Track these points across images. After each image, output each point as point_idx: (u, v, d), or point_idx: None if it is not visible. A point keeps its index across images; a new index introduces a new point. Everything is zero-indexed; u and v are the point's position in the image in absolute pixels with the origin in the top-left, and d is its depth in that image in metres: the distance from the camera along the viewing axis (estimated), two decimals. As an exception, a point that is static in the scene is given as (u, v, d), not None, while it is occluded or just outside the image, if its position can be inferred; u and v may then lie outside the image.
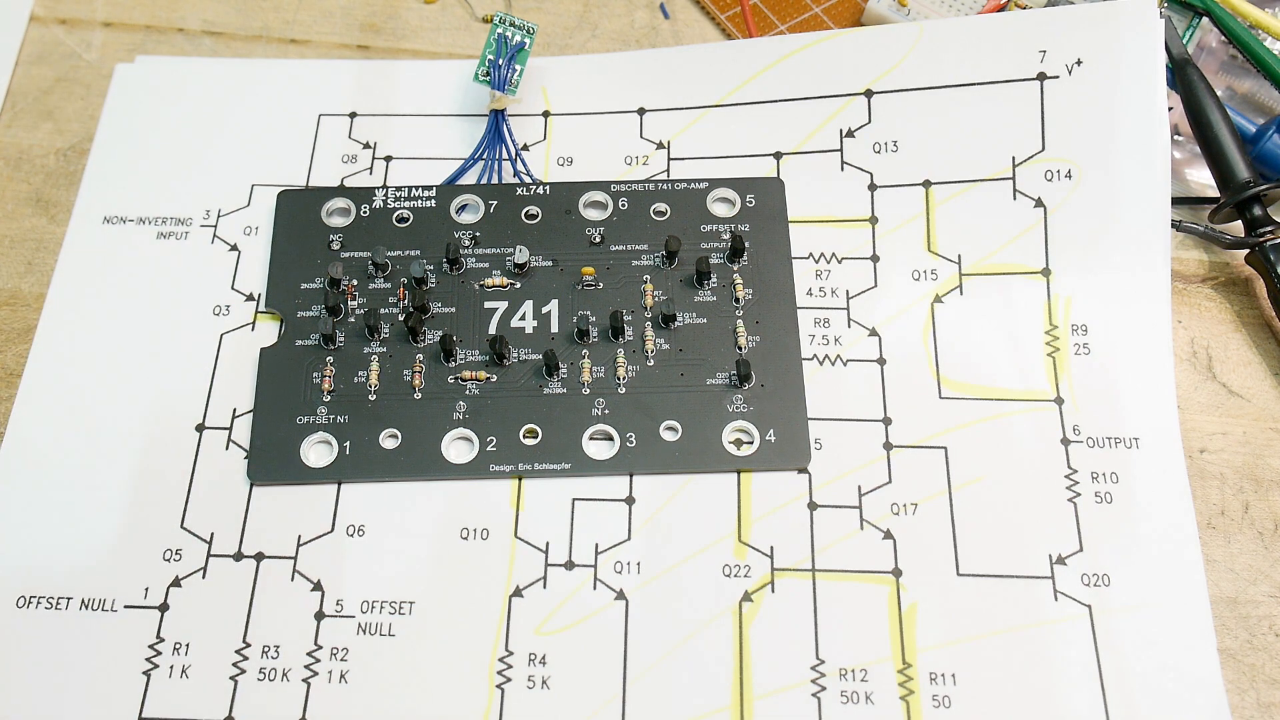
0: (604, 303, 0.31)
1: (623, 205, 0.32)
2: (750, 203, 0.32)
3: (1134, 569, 0.27)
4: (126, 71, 0.36)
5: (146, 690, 0.26)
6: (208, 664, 0.27)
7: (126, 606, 0.27)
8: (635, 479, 0.29)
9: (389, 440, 0.29)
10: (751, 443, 0.29)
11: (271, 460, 0.29)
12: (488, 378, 0.30)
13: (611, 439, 0.29)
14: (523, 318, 0.31)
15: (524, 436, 0.29)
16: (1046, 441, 0.29)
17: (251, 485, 0.29)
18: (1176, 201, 0.33)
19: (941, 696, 0.26)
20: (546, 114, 0.34)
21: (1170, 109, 0.32)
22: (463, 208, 0.32)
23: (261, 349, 0.30)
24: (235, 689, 0.26)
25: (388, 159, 0.34)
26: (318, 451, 0.29)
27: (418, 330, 0.30)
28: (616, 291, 0.31)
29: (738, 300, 0.31)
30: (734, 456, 0.29)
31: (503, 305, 0.31)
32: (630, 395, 0.29)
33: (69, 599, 0.28)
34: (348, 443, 0.29)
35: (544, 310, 0.31)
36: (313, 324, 0.31)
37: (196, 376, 0.30)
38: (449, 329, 0.30)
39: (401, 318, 0.31)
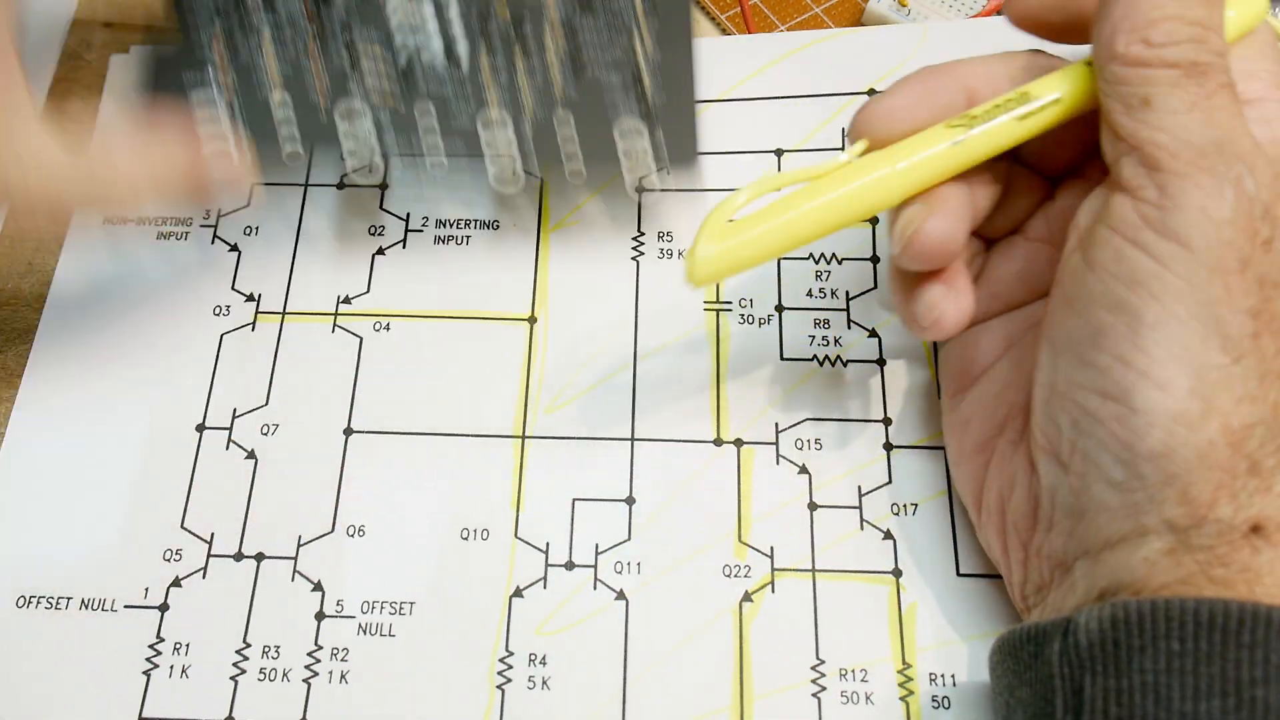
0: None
1: None
2: None
3: (1134, 569, 0.27)
4: (122, 63, 0.36)
5: (146, 690, 0.27)
6: (208, 664, 0.27)
7: (126, 606, 0.27)
8: (635, 479, 0.29)
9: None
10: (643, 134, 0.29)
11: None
12: (393, 94, 0.29)
13: (505, 124, 0.29)
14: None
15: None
16: (1047, 441, 0.29)
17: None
18: (1177, 201, 0.33)
19: (941, 697, 0.26)
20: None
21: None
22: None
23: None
24: (235, 689, 0.26)
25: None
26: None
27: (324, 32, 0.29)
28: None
29: (635, 8, 0.30)
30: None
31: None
32: (532, 95, 0.29)
33: (69, 599, 0.28)
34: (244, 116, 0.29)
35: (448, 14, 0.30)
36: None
37: (196, 376, 0.30)
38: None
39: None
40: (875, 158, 0.24)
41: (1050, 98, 0.23)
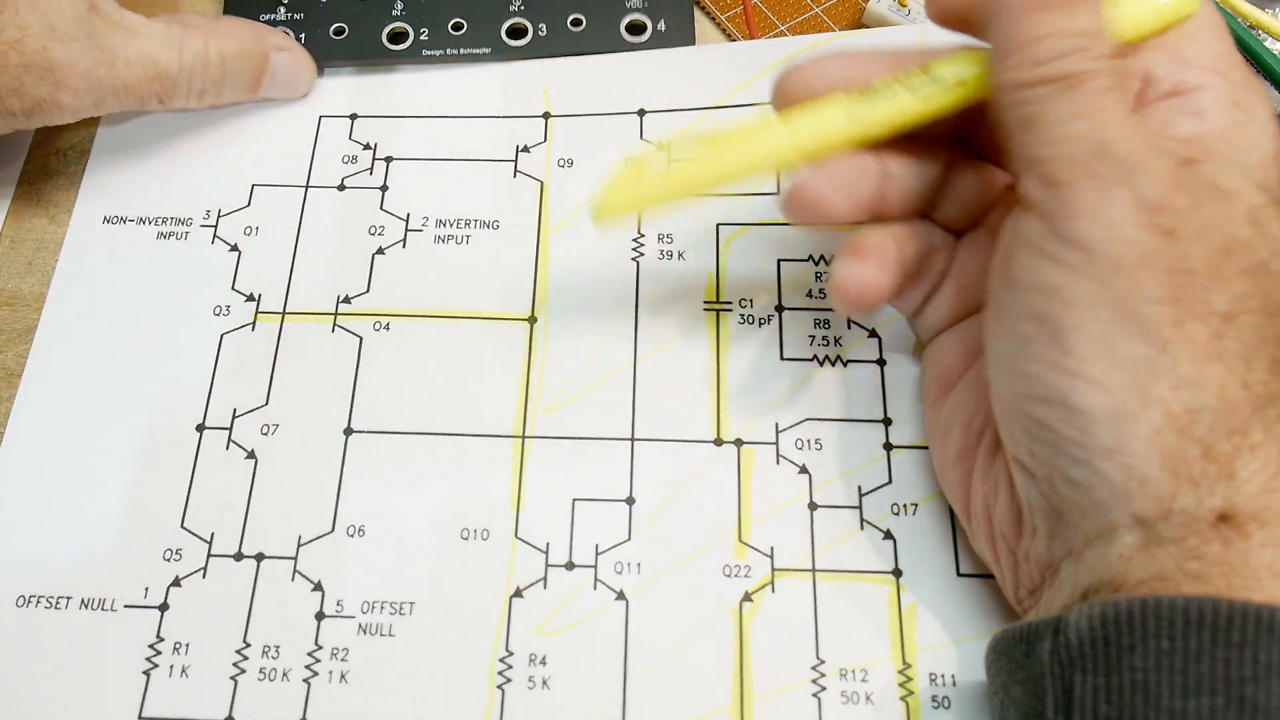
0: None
1: None
2: None
3: (1134, 569, 0.27)
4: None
5: (146, 690, 0.26)
6: (208, 664, 0.27)
7: (126, 606, 0.27)
8: (635, 479, 0.29)
9: (337, 33, 0.35)
10: (645, 30, 0.35)
11: None
12: None
13: (526, 31, 0.35)
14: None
15: (451, 29, 0.35)
16: (1046, 442, 0.29)
17: None
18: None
19: (941, 697, 0.26)
20: (547, 115, 0.34)
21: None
22: None
23: None
24: (235, 689, 0.26)
25: (388, 159, 0.34)
26: None
27: None
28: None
29: None
30: (630, 43, 0.35)
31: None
32: None
33: (69, 599, 0.28)
34: (303, 34, 0.35)
35: None
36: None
37: (196, 376, 0.30)
38: None
39: None
40: (776, 120, 0.25)
41: (953, 78, 0.24)
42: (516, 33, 0.35)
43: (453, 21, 0.35)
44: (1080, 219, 0.21)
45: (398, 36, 0.36)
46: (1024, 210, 0.22)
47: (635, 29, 0.35)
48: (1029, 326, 0.22)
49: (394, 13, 0.36)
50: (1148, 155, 0.21)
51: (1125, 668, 0.19)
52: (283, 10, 0.36)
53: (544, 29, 0.35)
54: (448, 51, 0.35)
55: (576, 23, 0.35)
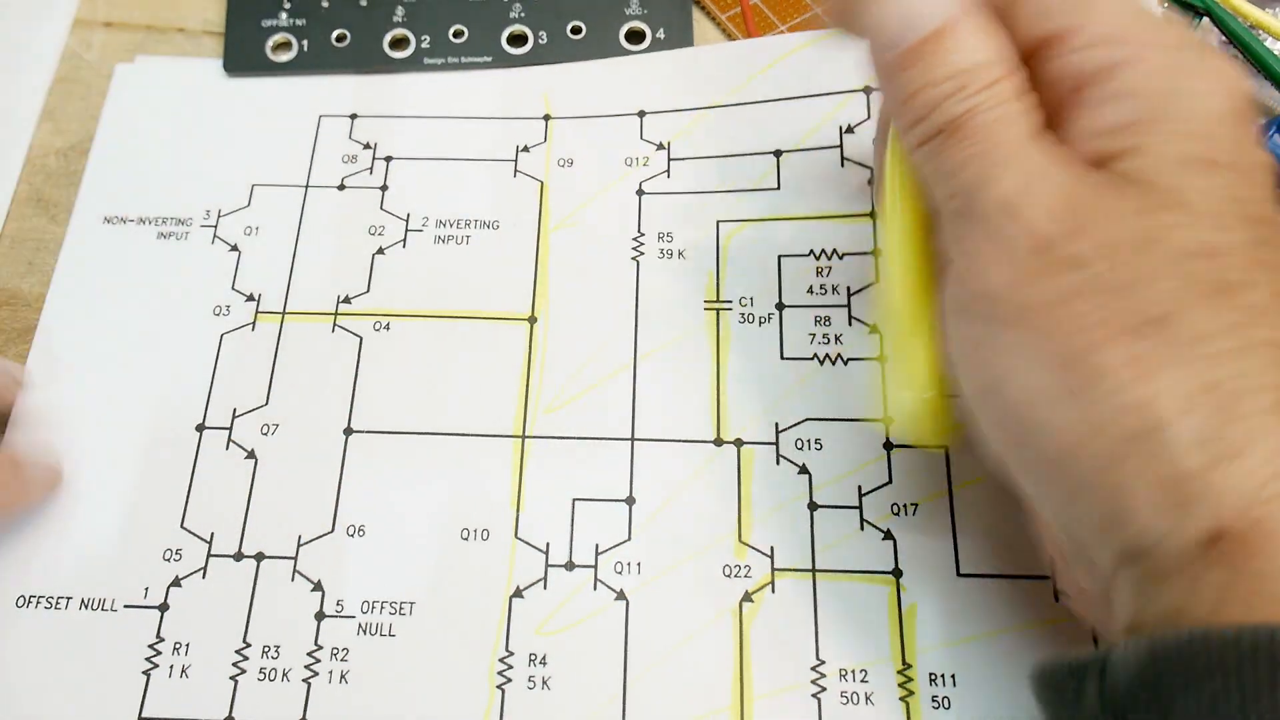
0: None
1: None
2: None
3: (1135, 569, 0.27)
4: (126, 71, 0.36)
5: (146, 690, 0.27)
6: (208, 664, 0.27)
7: (126, 606, 0.28)
8: (635, 479, 0.29)
9: (339, 39, 0.36)
10: (644, 38, 0.35)
11: (242, 55, 0.35)
12: None
13: (526, 39, 0.35)
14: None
15: (453, 36, 0.35)
16: (1047, 441, 0.29)
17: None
18: (1177, 200, 0.33)
19: (941, 697, 0.26)
20: (547, 118, 0.34)
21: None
22: None
23: None
24: (235, 689, 0.26)
25: (388, 159, 0.34)
26: (281, 50, 0.36)
27: None
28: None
29: None
30: (629, 50, 0.35)
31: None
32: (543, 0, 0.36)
33: (69, 599, 0.28)
34: (305, 40, 0.35)
35: None
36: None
37: (196, 376, 0.30)
38: None
39: None
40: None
41: None
42: (517, 40, 0.36)
43: (454, 29, 0.36)
44: (979, 273, 0.20)
45: (399, 43, 0.36)
46: (946, 263, 0.22)
47: (634, 36, 0.36)
48: (972, 380, 0.21)
49: (395, 19, 0.36)
50: (1034, 183, 0.20)
51: (1179, 712, 0.18)
52: (284, 16, 0.36)
53: (544, 36, 0.35)
54: (449, 60, 0.35)
55: (576, 30, 0.36)
